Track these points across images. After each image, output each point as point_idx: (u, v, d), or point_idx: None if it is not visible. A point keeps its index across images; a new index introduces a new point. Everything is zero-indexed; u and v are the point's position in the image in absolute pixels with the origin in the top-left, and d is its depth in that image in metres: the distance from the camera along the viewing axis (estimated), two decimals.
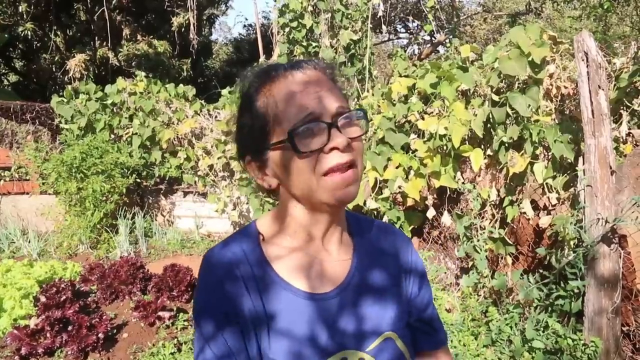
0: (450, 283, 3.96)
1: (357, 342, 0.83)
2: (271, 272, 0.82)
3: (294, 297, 0.81)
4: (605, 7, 7.01)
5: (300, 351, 0.79)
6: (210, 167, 6.30)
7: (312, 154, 0.76)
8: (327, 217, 0.84)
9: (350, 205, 3.92)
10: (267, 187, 0.84)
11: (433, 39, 11.27)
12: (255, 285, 0.80)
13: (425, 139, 3.70)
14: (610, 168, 2.77)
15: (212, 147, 6.29)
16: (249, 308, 0.79)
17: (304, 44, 6.72)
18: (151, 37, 13.84)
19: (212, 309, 0.79)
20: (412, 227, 4.04)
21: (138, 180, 6.41)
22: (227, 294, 0.79)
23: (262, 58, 8.76)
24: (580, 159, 3.00)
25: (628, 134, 3.09)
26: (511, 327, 3.07)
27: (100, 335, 3.22)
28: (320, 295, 0.82)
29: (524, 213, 3.37)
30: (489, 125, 3.52)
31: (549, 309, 2.99)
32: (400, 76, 4.40)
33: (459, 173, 3.74)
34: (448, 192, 3.82)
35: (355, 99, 6.35)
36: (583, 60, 2.81)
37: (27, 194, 6.72)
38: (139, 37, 13.68)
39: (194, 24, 11.17)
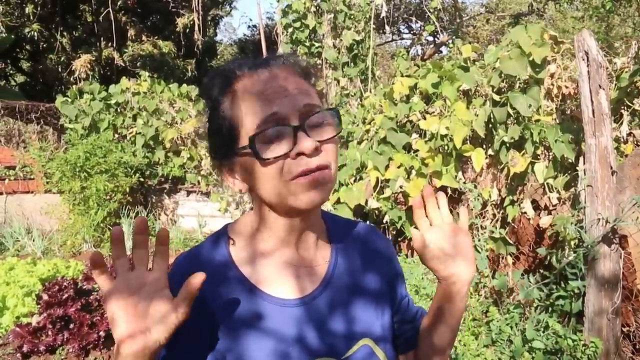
0: None
1: (334, 349, 0.79)
2: (238, 277, 0.78)
3: (262, 303, 0.77)
4: (607, 7, 6.98)
5: (274, 358, 0.76)
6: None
7: (276, 160, 0.71)
8: (299, 222, 0.79)
9: (351, 205, 3.93)
10: (238, 190, 0.79)
11: (436, 39, 11.26)
12: (218, 291, 0.77)
13: (427, 139, 3.70)
14: (611, 168, 2.76)
15: None
16: (208, 315, 0.76)
17: (307, 44, 6.74)
18: (156, 37, 13.90)
19: None
20: (413, 226, 4.03)
21: (141, 179, 6.45)
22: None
23: None
24: (581, 158, 2.99)
25: (629, 134, 3.08)
26: (511, 327, 3.07)
27: (102, 334, 3.24)
28: (293, 300, 0.79)
29: (525, 213, 3.36)
30: (490, 125, 3.52)
31: (550, 309, 2.98)
32: (402, 76, 4.41)
33: (460, 173, 3.74)
34: (449, 192, 3.82)
35: (358, 99, 6.36)
36: (584, 59, 2.81)
37: (32, 192, 6.78)
38: (144, 37, 13.74)
39: (198, 24, 11.20)
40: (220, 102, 0.76)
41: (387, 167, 3.91)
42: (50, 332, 3.22)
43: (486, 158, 3.55)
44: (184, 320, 0.68)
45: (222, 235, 0.84)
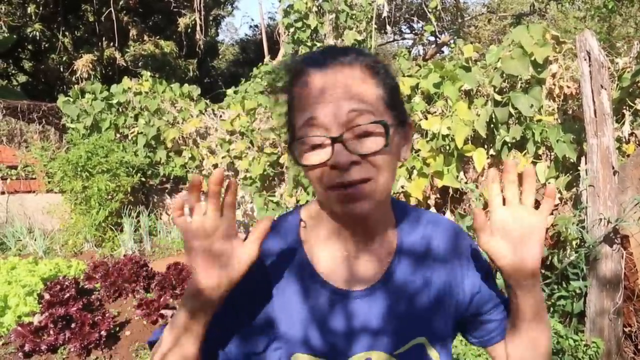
0: None
1: (387, 344, 0.79)
2: (303, 261, 0.81)
3: (323, 291, 0.79)
4: (610, 7, 6.96)
5: (323, 345, 0.78)
6: (215, 166, 6.32)
7: (314, 167, 0.72)
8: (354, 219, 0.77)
9: None
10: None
11: (438, 39, 11.25)
12: (286, 273, 0.81)
13: (429, 139, 3.70)
14: (613, 168, 2.75)
15: (216, 146, 6.31)
16: (271, 295, 0.80)
17: (309, 44, 6.74)
18: (158, 37, 13.89)
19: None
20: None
21: (143, 179, 6.45)
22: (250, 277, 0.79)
23: (267, 58, 8.79)
24: (583, 159, 2.99)
25: (631, 134, 3.08)
26: None
27: (103, 333, 3.25)
28: (351, 292, 0.79)
29: None
30: (491, 125, 3.52)
31: (551, 309, 2.98)
32: (404, 76, 4.40)
33: (461, 173, 3.73)
34: (451, 192, 3.82)
35: None
36: (585, 59, 2.80)
37: (34, 192, 6.79)
38: (145, 37, 13.74)
39: (200, 24, 11.20)
40: (288, 92, 0.78)
41: None
42: (51, 332, 3.23)
43: (488, 158, 3.55)
44: (254, 261, 0.73)
45: (295, 216, 0.87)
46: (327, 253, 0.82)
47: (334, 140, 0.69)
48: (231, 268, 0.72)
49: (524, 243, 0.76)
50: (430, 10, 7.53)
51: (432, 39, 11.97)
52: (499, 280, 0.99)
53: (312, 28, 6.62)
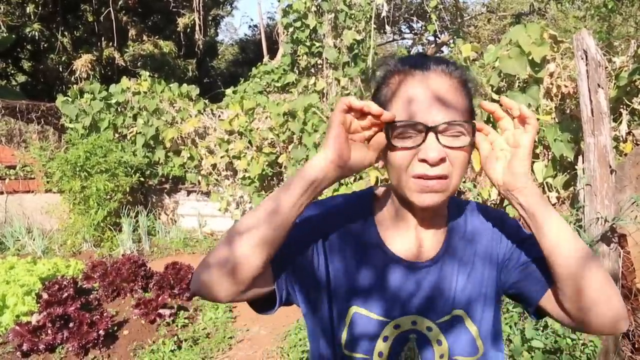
0: None
1: (430, 312, 0.90)
2: (373, 231, 0.93)
3: (383, 257, 0.91)
4: (609, 7, 6.96)
5: (378, 304, 0.89)
6: (214, 166, 6.33)
7: (402, 150, 0.80)
8: (420, 209, 0.87)
9: None
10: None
11: (437, 39, 11.26)
12: (355, 233, 0.93)
13: None
14: (610, 167, 2.75)
15: (215, 146, 6.32)
16: (335, 245, 0.92)
17: (308, 43, 6.74)
18: (157, 37, 13.90)
19: (313, 217, 0.93)
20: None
21: (142, 179, 6.45)
22: (325, 221, 0.93)
23: (266, 58, 8.79)
24: (580, 158, 2.98)
25: (628, 133, 3.08)
26: (511, 327, 3.06)
27: (101, 332, 3.25)
28: (408, 262, 0.91)
29: None
30: (489, 124, 3.52)
31: None
32: None
33: None
34: None
35: (359, 99, 6.36)
36: (582, 58, 2.80)
37: (32, 192, 6.79)
38: (144, 37, 13.74)
39: (199, 24, 11.21)
40: (382, 86, 0.87)
41: None
42: (49, 331, 3.23)
43: None
44: (368, 167, 0.84)
45: (370, 193, 1.00)
46: (391, 226, 0.93)
47: (428, 130, 0.78)
48: (354, 161, 0.81)
49: (514, 158, 0.84)
50: (430, 9, 7.53)
51: (431, 38, 11.98)
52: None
53: (311, 28, 6.62)
